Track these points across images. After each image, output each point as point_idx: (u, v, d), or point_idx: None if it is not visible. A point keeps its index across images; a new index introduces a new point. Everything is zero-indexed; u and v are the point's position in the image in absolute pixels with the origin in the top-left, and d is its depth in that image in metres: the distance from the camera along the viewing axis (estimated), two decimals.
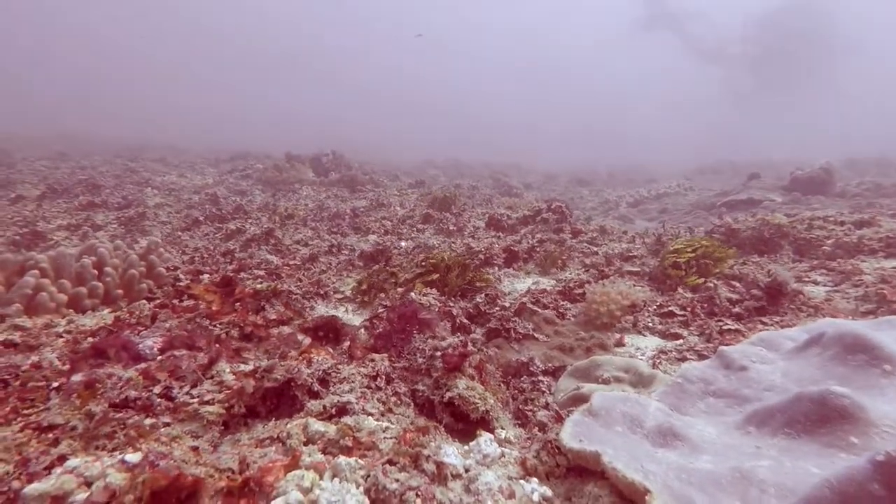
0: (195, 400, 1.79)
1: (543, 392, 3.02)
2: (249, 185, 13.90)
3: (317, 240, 7.38)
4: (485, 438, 1.86)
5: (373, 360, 2.42)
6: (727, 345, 2.85)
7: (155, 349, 2.12)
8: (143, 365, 1.95)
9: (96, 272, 3.15)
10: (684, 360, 2.89)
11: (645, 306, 3.75)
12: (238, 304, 3.21)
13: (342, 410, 1.95)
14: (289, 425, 1.77)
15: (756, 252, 6.23)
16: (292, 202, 11.52)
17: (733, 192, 15.35)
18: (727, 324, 3.23)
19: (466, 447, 1.88)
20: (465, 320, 3.51)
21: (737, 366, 2.33)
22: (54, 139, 24.30)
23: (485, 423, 2.37)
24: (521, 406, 2.92)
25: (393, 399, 2.25)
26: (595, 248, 7.40)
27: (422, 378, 2.51)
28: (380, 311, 3.13)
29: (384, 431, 1.82)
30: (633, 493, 1.32)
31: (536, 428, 2.25)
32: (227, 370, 2.04)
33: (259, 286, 3.31)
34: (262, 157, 18.99)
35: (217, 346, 2.51)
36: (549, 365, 3.13)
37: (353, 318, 4.01)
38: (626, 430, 1.71)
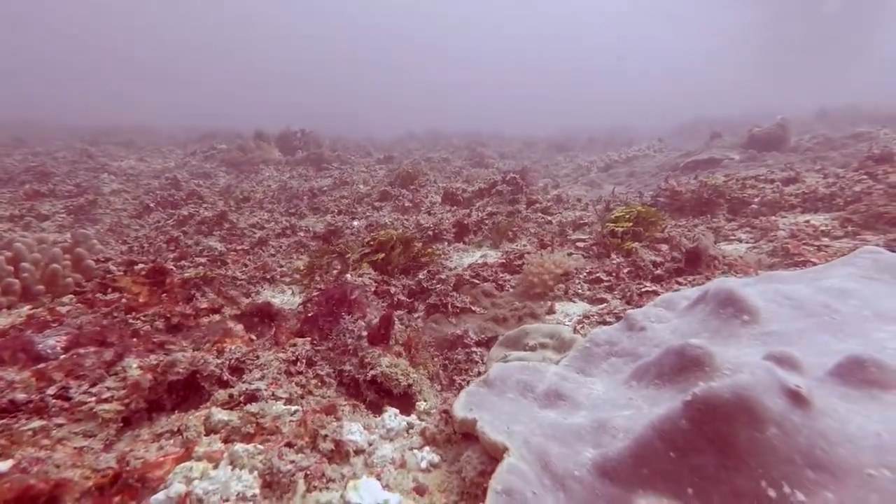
0: (92, 399, 1.75)
1: (477, 362, 3.08)
2: (213, 167, 13.35)
3: (272, 223, 7.21)
4: (389, 414, 1.89)
5: (294, 345, 2.41)
6: (639, 306, 2.95)
7: (58, 348, 2.05)
8: (41, 365, 1.89)
9: (12, 268, 3.01)
10: (604, 323, 2.98)
11: (577, 274, 3.83)
12: (167, 294, 3.12)
13: (251, 398, 1.95)
14: (190, 417, 1.75)
15: (697, 213, 6.40)
16: (253, 184, 11.18)
17: (696, 153, 15.64)
18: (647, 286, 3.32)
19: (374, 423, 1.91)
20: (404, 297, 3.52)
21: (638, 327, 2.42)
22: (17, 126, 22.70)
23: (408, 398, 2.41)
24: (454, 377, 2.98)
25: (314, 382, 2.25)
26: (549, 218, 7.48)
27: (349, 358, 2.52)
28: (314, 294, 3.10)
29: (291, 415, 1.83)
30: (496, 452, 1.39)
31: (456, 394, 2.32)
32: (134, 365, 1.99)
33: (188, 274, 3.22)
34: (233, 136, 18.17)
35: (134, 340, 2.45)
36: (483, 336, 3.18)
37: (298, 301, 3.97)
38: (517, 395, 1.76)
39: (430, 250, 4.61)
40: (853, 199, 5.12)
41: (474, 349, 3.13)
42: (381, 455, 1.63)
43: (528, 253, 4.40)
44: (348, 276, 3.34)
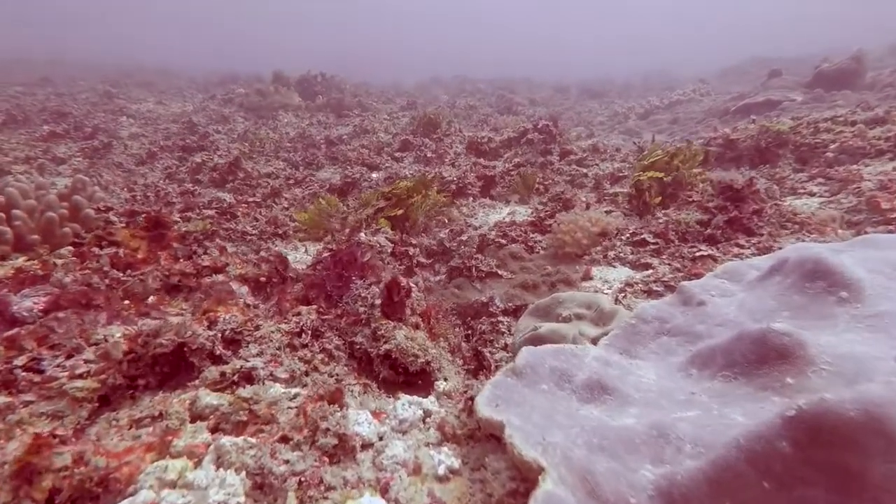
0: (65, 373, 1.54)
1: (503, 333, 2.81)
2: (232, 112, 13.01)
3: (288, 171, 6.92)
4: (403, 402, 1.64)
5: (298, 314, 2.16)
6: (697, 275, 2.57)
7: (36, 310, 1.85)
8: (13, 331, 1.69)
9: (3, 216, 2.82)
10: (650, 292, 2.63)
11: (618, 234, 3.43)
12: (166, 250, 2.90)
13: (246, 377, 1.71)
14: (173, 400, 1.53)
15: (757, 163, 5.79)
16: (270, 130, 10.83)
17: (750, 95, 14.31)
18: (701, 249, 2.92)
19: (386, 407, 1.66)
20: (424, 259, 3.22)
21: (695, 301, 2.07)
22: (45, 64, 22.65)
23: (426, 375, 2.16)
24: (478, 348, 2.72)
25: (320, 357, 2.01)
26: (584, 170, 6.95)
27: (361, 329, 2.27)
28: (323, 255, 2.83)
29: (291, 400, 1.59)
30: (529, 471, 1.11)
31: (483, 377, 2.05)
32: (118, 334, 1.78)
33: (190, 227, 2.98)
34: (252, 79, 17.66)
35: (126, 302, 2.24)
36: (510, 304, 2.88)
37: (308, 258, 3.73)
38: (552, 386, 1.47)
39: (444, 203, 4.25)
40: None
41: (501, 318, 2.85)
42: (392, 455, 1.39)
43: (564, 206, 4.00)
44: (362, 234, 3.05)
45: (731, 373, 1.33)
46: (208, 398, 1.55)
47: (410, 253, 3.13)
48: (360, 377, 2.14)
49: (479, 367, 2.70)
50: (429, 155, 6.92)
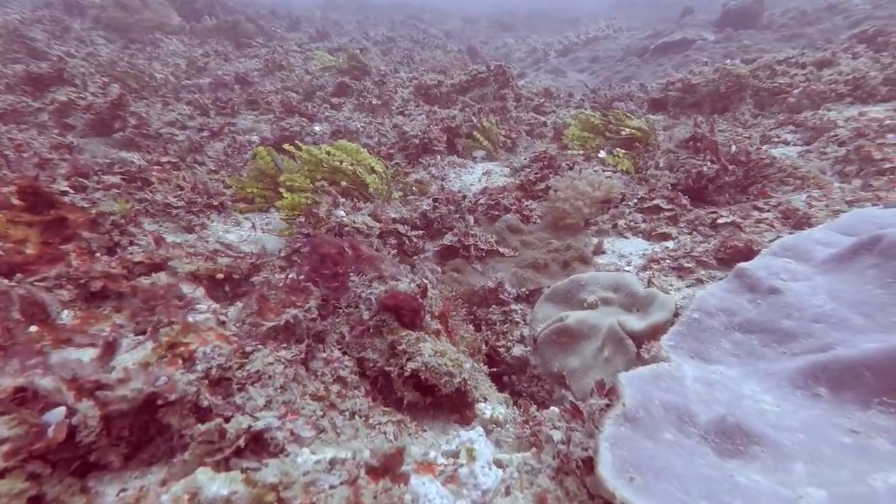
0: None
1: (517, 323, 2.57)
2: (86, 30, 10.74)
3: (199, 119, 5.89)
4: (480, 463, 1.33)
5: (290, 330, 1.73)
6: (734, 249, 2.49)
7: None
8: None
9: None
10: (681, 269, 2.51)
11: (623, 200, 3.28)
12: (73, 242, 2.23)
13: (256, 439, 1.30)
14: (161, 492, 1.10)
15: (717, 110, 5.92)
16: (151, 59, 9.17)
17: (665, 33, 14.92)
18: (720, 214, 2.84)
19: (452, 468, 1.36)
20: (416, 238, 2.83)
21: (764, 287, 1.95)
22: None
23: (461, 397, 1.87)
24: (494, 345, 2.47)
25: (336, 389, 1.63)
26: (542, 118, 6.73)
27: (371, 341, 1.89)
28: (299, 243, 2.33)
29: (330, 473, 1.22)
30: None
31: (532, 404, 1.80)
32: (49, 384, 1.25)
33: (104, 207, 2.32)
34: None
35: (35, 329, 1.65)
36: (523, 289, 2.63)
37: (263, 238, 3.16)
38: (677, 434, 1.25)
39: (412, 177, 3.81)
40: None
41: (514, 306, 2.59)
42: None
43: (549, 166, 3.74)
44: (341, 212, 2.57)
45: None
46: (214, 486, 1.14)
47: (401, 232, 2.72)
48: (379, 404, 1.80)
49: (502, 378, 2.46)
50: (373, 102, 6.23)
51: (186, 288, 2.12)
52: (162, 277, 2.21)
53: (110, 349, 1.49)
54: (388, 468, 1.23)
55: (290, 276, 2.02)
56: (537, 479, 1.30)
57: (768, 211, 2.78)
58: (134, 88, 6.71)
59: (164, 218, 3.26)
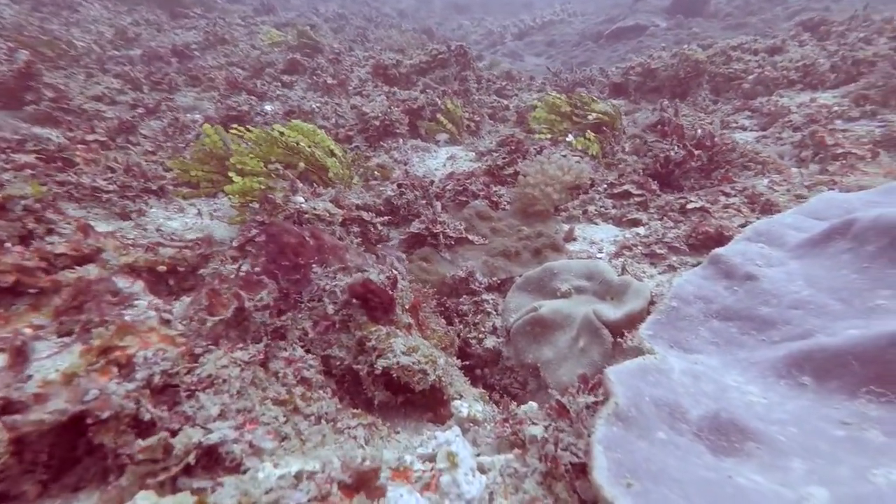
0: None
1: (489, 314, 2.51)
2: None
3: (131, 94, 5.42)
4: (462, 471, 1.25)
5: (243, 327, 1.58)
6: (706, 234, 2.53)
7: None
8: None
9: None
10: (653, 255, 2.52)
11: (593, 185, 3.27)
12: None
13: (211, 455, 1.17)
14: None
15: (678, 95, 6.08)
16: (67, 25, 8.39)
17: (619, 19, 15.38)
18: (690, 200, 2.88)
19: (430, 474, 1.27)
20: (381, 226, 2.70)
21: (741, 273, 1.97)
22: None
23: (435, 395, 1.79)
24: (467, 338, 2.39)
25: (300, 391, 1.50)
26: (505, 102, 6.69)
27: (336, 337, 1.77)
28: (253, 233, 2.15)
29: (296, 488, 1.10)
30: None
31: (511, 401, 1.74)
32: None
33: (13, 190, 2.05)
34: None
35: None
36: (494, 279, 2.57)
37: (211, 226, 2.92)
38: (670, 431, 1.22)
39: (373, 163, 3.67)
40: (857, 71, 4.99)
41: (485, 296, 2.53)
42: None
43: (517, 149, 3.68)
44: (299, 197, 2.40)
45: (885, 390, 1.19)
46: None
47: (365, 219, 2.57)
48: (347, 405, 1.69)
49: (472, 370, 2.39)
50: (328, 81, 5.95)
51: (122, 282, 1.90)
52: (92, 270, 1.98)
53: (20, 356, 1.29)
54: (362, 481, 1.13)
55: (245, 267, 1.86)
56: (524, 484, 1.24)
57: (735, 196, 2.85)
58: (48, 57, 6.11)
59: (92, 203, 2.96)
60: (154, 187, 3.16)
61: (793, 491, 1.00)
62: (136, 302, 1.88)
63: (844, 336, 1.33)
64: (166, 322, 1.61)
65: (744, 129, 4.58)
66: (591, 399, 1.34)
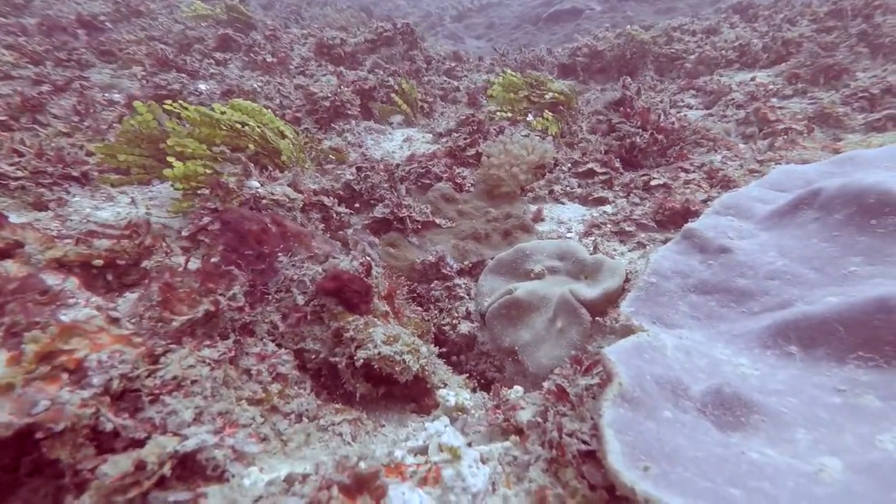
0: None
1: (462, 298, 2.48)
2: None
3: (32, 69, 4.88)
4: (468, 461, 1.22)
5: (212, 322, 1.46)
6: (672, 210, 2.62)
7: None
8: None
9: None
10: (622, 233, 2.60)
11: (557, 165, 3.31)
12: None
13: (186, 464, 1.06)
14: None
15: (619, 75, 6.28)
16: None
17: (557, 2, 15.90)
18: (653, 177, 2.98)
19: (425, 468, 1.23)
20: (343, 212, 2.59)
21: (714, 247, 2.05)
22: None
23: (419, 385, 1.75)
24: (441, 325, 2.36)
25: (276, 389, 1.40)
26: (455, 83, 6.65)
27: (309, 329, 1.68)
28: (205, 219, 1.98)
29: (288, 492, 1.03)
30: None
31: (501, 387, 1.72)
32: None
33: None
34: None
35: None
36: (466, 262, 2.54)
37: (146, 213, 2.68)
38: (674, 409, 1.24)
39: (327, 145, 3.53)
40: (787, 51, 5.36)
41: (457, 281, 2.50)
42: None
43: (478, 130, 3.67)
44: (254, 182, 2.24)
45: (874, 354, 1.26)
46: None
47: (326, 204, 2.45)
48: (327, 400, 1.61)
49: (451, 358, 2.36)
50: (268, 59, 5.63)
51: (52, 279, 1.70)
52: (10, 266, 1.75)
53: None
54: (362, 482, 1.07)
55: (196, 258, 1.71)
56: (528, 472, 1.22)
57: (694, 172, 2.98)
58: None
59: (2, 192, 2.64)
60: (75, 174, 2.86)
61: (806, 463, 1.03)
62: (71, 301, 1.69)
63: (825, 304, 1.41)
64: (114, 321, 1.46)
65: (690, 107, 4.81)
66: (590, 381, 1.34)
